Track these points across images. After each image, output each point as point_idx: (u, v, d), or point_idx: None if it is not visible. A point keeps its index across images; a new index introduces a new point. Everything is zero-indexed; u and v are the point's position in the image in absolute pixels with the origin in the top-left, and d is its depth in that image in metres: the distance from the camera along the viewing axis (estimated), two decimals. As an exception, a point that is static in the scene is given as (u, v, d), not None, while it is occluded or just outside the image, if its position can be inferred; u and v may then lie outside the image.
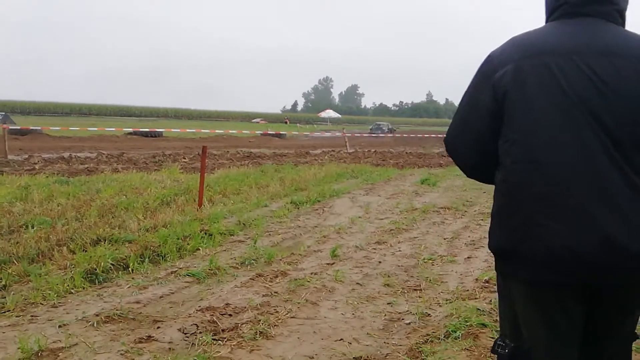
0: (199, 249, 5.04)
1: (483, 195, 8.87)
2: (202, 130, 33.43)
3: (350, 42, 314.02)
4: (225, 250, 5.11)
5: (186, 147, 19.99)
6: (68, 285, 3.83)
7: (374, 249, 5.34)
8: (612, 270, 1.37)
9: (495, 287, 1.69)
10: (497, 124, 1.49)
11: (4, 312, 3.39)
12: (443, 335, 3.15)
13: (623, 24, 1.52)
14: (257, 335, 3.13)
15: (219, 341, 3.05)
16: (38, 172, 10.73)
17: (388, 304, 3.76)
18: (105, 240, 4.91)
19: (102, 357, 2.82)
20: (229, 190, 8.55)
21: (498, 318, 1.70)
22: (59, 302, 3.59)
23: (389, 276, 4.39)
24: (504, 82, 1.46)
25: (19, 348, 2.82)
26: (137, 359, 2.83)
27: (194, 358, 2.83)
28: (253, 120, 74.96)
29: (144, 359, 2.83)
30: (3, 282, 3.84)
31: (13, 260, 4.27)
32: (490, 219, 1.56)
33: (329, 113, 76.31)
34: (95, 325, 3.21)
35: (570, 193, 1.36)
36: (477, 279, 4.31)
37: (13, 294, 3.66)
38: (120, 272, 4.25)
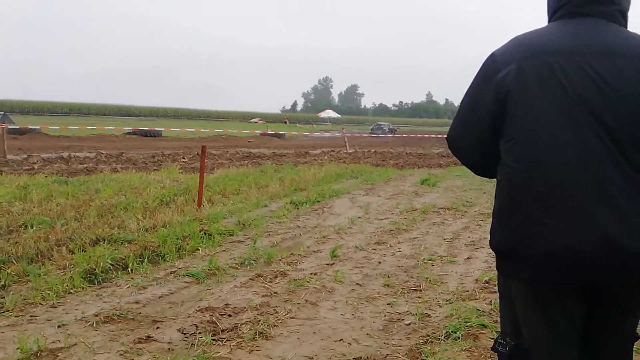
0: (199, 249, 5.03)
1: (483, 196, 8.87)
2: (202, 130, 33.44)
3: (350, 42, 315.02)
4: (224, 251, 5.10)
5: (185, 147, 19.99)
6: (67, 285, 3.83)
7: (374, 249, 5.33)
8: (612, 269, 1.37)
9: (496, 287, 1.69)
10: (498, 124, 1.50)
11: (3, 312, 3.39)
12: (443, 336, 3.15)
13: (625, 24, 1.52)
14: (257, 336, 3.13)
15: (219, 341, 3.05)
16: (37, 171, 10.71)
17: (388, 304, 3.76)
18: (104, 240, 4.90)
19: (102, 358, 2.82)
20: (228, 190, 8.54)
21: (499, 317, 1.70)
22: (58, 302, 3.58)
23: (388, 277, 4.38)
24: (506, 82, 1.47)
25: (18, 348, 2.82)
26: (136, 359, 2.82)
27: (193, 358, 2.83)
28: (251, 120, 74.93)
29: (143, 359, 2.82)
30: (2, 282, 3.84)
31: (12, 260, 4.26)
32: (490, 219, 1.56)
33: (329, 113, 76.28)
34: (94, 325, 3.20)
35: (571, 193, 1.37)
36: (477, 280, 4.31)
37: (12, 294, 3.65)
38: (119, 272, 4.24)
